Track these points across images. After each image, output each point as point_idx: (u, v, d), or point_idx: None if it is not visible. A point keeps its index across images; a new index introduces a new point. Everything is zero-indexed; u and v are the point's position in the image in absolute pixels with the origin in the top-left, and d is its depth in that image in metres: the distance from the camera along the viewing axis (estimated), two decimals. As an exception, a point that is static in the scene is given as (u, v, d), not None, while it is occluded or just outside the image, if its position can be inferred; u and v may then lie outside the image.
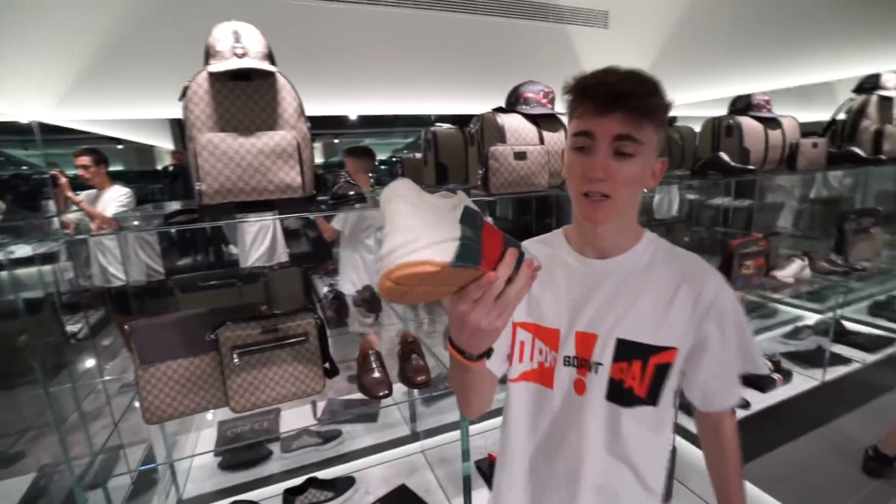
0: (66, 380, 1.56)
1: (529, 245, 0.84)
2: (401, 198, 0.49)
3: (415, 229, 0.45)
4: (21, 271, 1.83)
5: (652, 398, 0.73)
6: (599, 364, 0.73)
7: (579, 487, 0.75)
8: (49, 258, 2.81)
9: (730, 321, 0.73)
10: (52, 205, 2.96)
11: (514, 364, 0.81)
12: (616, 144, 0.65)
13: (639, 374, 0.72)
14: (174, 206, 2.48)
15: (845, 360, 2.54)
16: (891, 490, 1.99)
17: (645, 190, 0.71)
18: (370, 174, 2.73)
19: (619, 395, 0.73)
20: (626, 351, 0.72)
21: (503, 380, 0.84)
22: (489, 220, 0.52)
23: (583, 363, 0.74)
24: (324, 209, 1.21)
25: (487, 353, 0.58)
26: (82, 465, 1.20)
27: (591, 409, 0.74)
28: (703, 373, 0.75)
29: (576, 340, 0.75)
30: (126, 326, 1.18)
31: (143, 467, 1.62)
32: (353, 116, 2.82)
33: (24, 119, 2.08)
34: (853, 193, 3.19)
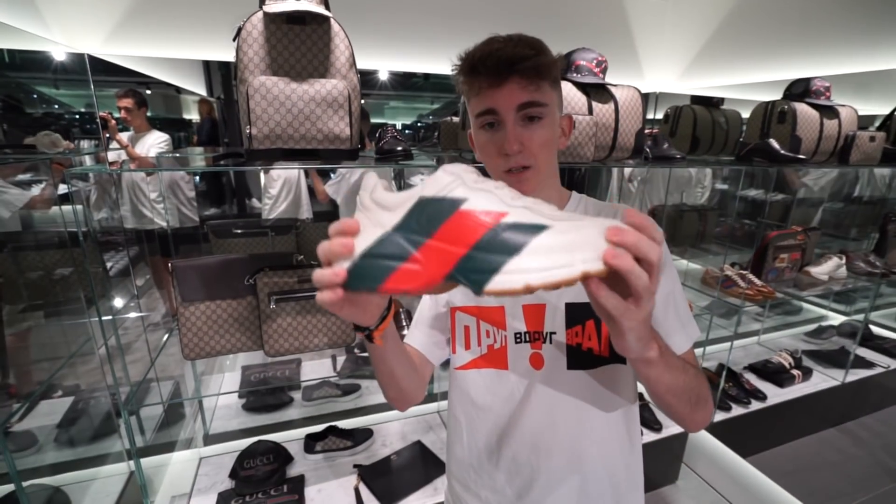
0: (104, 313, 1.62)
1: None
2: (359, 207, 0.45)
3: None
4: (55, 210, 1.90)
5: (617, 355, 0.67)
6: (553, 333, 0.70)
7: (550, 464, 0.70)
8: (85, 197, 2.87)
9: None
10: (84, 144, 3.00)
11: (460, 352, 0.78)
12: (521, 113, 0.64)
13: (594, 333, 0.68)
14: (198, 151, 2.49)
15: (869, 364, 2.50)
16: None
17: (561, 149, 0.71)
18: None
19: (580, 359, 0.69)
20: (577, 313, 0.69)
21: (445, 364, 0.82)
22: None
23: (536, 336, 0.71)
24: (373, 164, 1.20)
25: (379, 324, 0.56)
26: (122, 392, 1.26)
27: (553, 383, 0.70)
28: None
29: (524, 314, 0.72)
30: (169, 264, 1.21)
31: (175, 400, 1.70)
32: (383, 73, 2.72)
33: (59, 56, 2.06)
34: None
